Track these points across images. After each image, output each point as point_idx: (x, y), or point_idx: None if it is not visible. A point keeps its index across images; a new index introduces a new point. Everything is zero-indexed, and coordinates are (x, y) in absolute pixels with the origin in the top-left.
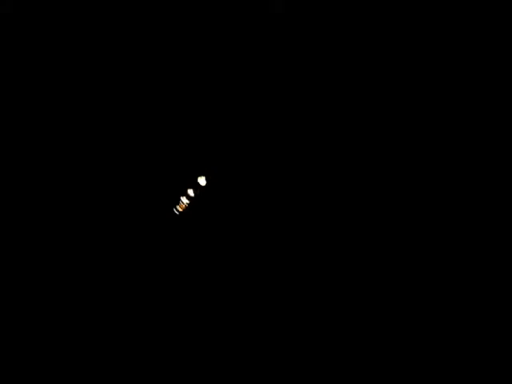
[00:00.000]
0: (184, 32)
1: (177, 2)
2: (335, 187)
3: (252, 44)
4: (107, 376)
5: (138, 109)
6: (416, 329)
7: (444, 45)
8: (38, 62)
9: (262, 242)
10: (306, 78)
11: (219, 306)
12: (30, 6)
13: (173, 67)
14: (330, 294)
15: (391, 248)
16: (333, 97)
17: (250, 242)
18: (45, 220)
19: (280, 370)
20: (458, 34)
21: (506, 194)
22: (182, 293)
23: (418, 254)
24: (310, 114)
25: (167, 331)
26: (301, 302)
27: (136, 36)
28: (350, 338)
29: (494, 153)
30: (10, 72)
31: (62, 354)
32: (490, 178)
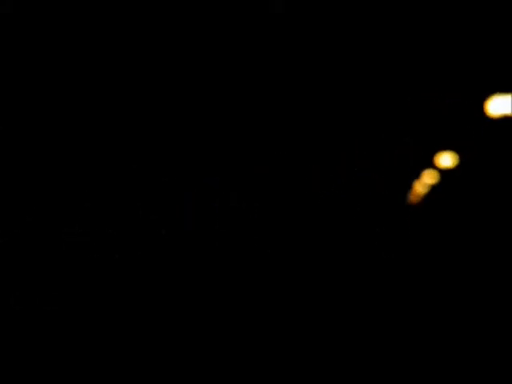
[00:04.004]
0: (184, 31)
1: (178, 1)
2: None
3: (252, 43)
4: (108, 376)
5: (138, 108)
6: (416, 329)
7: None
8: (37, 61)
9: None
10: (306, 77)
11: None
12: (30, 6)
13: (173, 67)
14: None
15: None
16: (332, 95)
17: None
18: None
19: (280, 370)
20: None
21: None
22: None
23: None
24: (309, 113)
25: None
26: (302, 302)
27: (136, 36)
28: (350, 337)
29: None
30: (11, 71)
31: (64, 354)
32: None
